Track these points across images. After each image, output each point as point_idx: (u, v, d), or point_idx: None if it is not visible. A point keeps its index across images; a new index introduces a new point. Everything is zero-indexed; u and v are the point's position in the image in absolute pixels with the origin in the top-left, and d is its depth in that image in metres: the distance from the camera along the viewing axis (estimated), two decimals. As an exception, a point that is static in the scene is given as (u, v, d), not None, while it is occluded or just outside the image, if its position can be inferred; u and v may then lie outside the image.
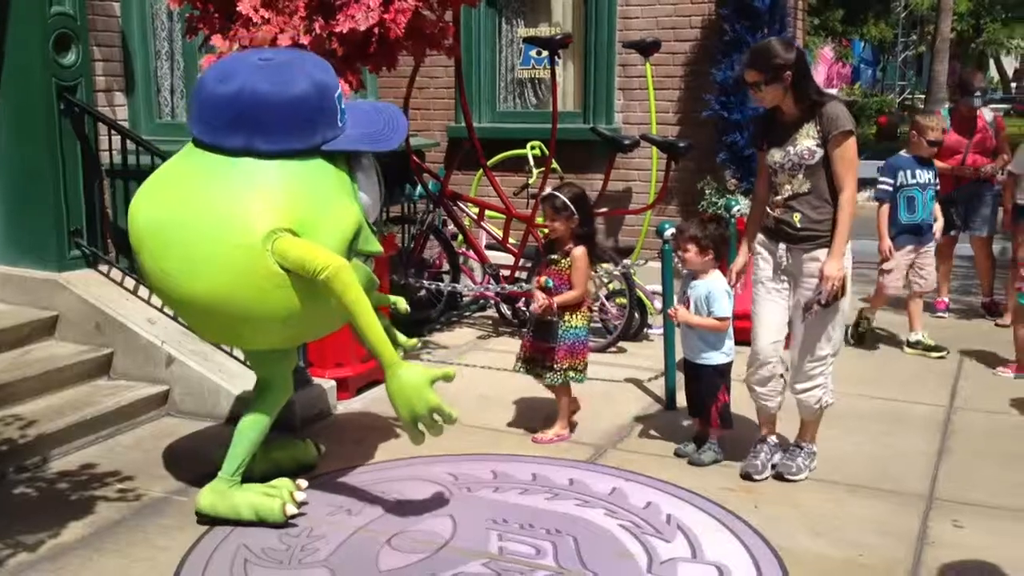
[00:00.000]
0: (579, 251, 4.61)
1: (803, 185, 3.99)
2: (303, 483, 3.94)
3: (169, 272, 3.62)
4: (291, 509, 3.78)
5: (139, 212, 3.71)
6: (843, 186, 3.92)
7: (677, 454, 4.52)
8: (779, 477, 4.23)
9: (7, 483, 4.13)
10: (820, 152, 3.93)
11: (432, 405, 3.54)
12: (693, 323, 4.39)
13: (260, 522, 3.76)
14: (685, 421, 4.81)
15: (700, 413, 4.52)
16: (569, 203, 4.56)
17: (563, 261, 4.65)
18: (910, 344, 6.28)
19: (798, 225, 4.00)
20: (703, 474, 4.32)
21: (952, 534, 3.79)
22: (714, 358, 4.41)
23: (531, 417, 4.87)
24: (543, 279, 4.68)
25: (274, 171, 3.60)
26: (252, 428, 3.89)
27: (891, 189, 6.14)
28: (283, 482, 3.90)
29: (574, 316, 4.65)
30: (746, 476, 4.22)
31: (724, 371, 4.45)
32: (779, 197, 4.07)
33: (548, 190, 4.81)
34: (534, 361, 4.71)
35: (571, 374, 4.68)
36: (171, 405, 4.98)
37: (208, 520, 3.78)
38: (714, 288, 4.36)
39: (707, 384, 4.43)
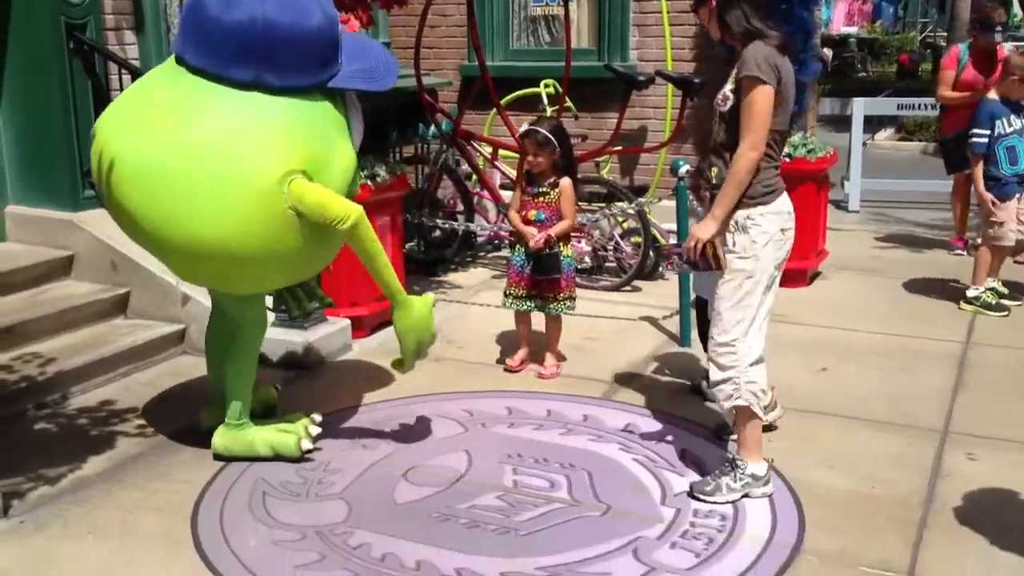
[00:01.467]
0: (566, 182, 4.67)
1: (720, 134, 3.53)
2: (317, 418, 3.96)
3: (165, 215, 3.35)
4: (306, 444, 3.81)
5: (120, 142, 3.38)
6: (740, 139, 3.37)
7: (692, 390, 4.52)
8: (690, 494, 3.55)
9: (27, 419, 4.19)
10: (733, 99, 3.44)
11: (433, 332, 3.80)
12: None
13: (276, 458, 3.80)
14: (700, 358, 4.80)
15: None
16: (551, 137, 4.56)
17: (551, 193, 4.66)
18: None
19: (714, 181, 3.56)
20: (716, 409, 4.31)
21: (966, 466, 3.79)
22: None
23: (543, 353, 4.87)
24: (532, 213, 4.68)
25: (285, 108, 3.41)
26: (241, 372, 3.81)
27: (987, 140, 5.63)
28: (297, 417, 3.93)
29: (566, 247, 4.74)
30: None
31: None
32: (709, 146, 3.69)
33: (525, 127, 4.79)
34: (533, 296, 4.74)
35: (568, 303, 4.74)
36: (188, 343, 5.01)
37: (225, 460, 3.83)
38: None
39: None
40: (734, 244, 3.45)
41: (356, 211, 3.45)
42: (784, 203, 3.50)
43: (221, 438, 3.83)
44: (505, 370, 4.82)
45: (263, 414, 4.06)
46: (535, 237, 4.60)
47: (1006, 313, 5.70)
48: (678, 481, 3.64)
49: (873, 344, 5.21)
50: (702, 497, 3.50)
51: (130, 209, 3.41)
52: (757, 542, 3.24)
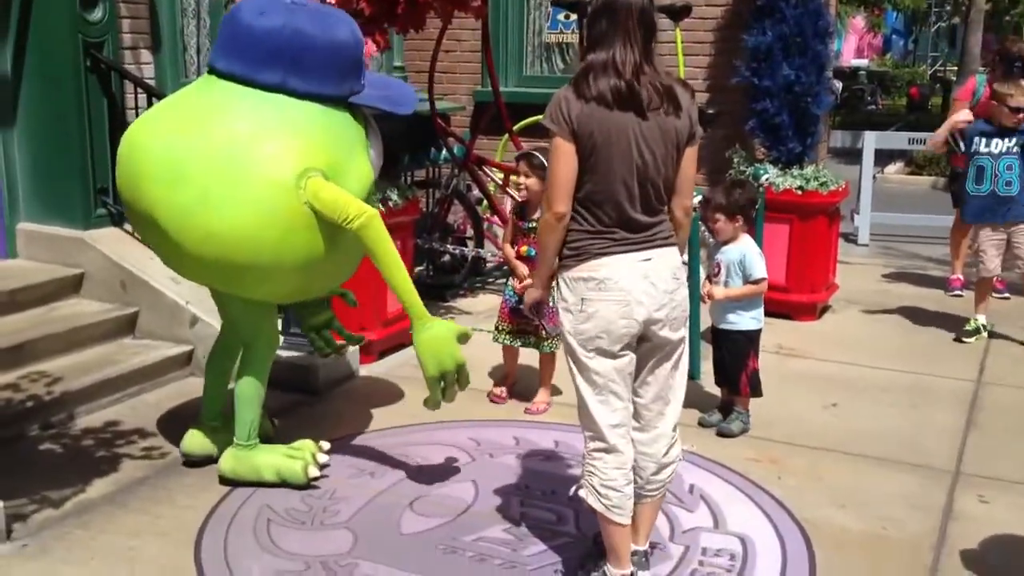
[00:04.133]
0: None
1: None
2: (325, 445, 3.94)
3: (179, 208, 3.41)
4: (313, 471, 3.79)
5: (147, 139, 3.53)
6: None
7: (701, 424, 4.48)
8: None
9: (32, 440, 4.17)
10: None
11: (459, 359, 3.55)
12: (733, 296, 4.32)
13: (282, 484, 3.77)
14: (710, 391, 4.77)
15: (727, 382, 4.48)
16: (546, 163, 4.50)
17: None
18: None
19: None
20: (727, 444, 4.29)
21: (977, 509, 3.75)
22: (744, 323, 4.36)
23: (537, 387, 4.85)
24: (524, 248, 4.62)
25: (308, 111, 3.57)
26: (251, 390, 3.79)
27: (963, 148, 5.88)
28: (305, 444, 3.90)
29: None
30: None
31: (754, 337, 4.40)
32: None
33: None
34: (523, 332, 4.69)
35: (556, 341, 4.62)
36: (195, 365, 4.98)
37: (231, 484, 3.79)
38: (747, 251, 4.31)
39: (736, 351, 4.37)
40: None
41: (370, 211, 3.50)
42: (593, 269, 2.86)
43: (229, 460, 3.81)
44: (490, 400, 4.77)
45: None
46: (523, 282, 4.50)
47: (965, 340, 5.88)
48: (686, 517, 3.61)
49: (883, 380, 5.18)
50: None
51: (151, 200, 3.48)
52: (767, 583, 3.20)
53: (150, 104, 5.32)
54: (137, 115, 5.36)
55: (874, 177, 9.29)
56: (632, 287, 2.85)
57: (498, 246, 7.06)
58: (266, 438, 4.10)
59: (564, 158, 2.83)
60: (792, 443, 4.32)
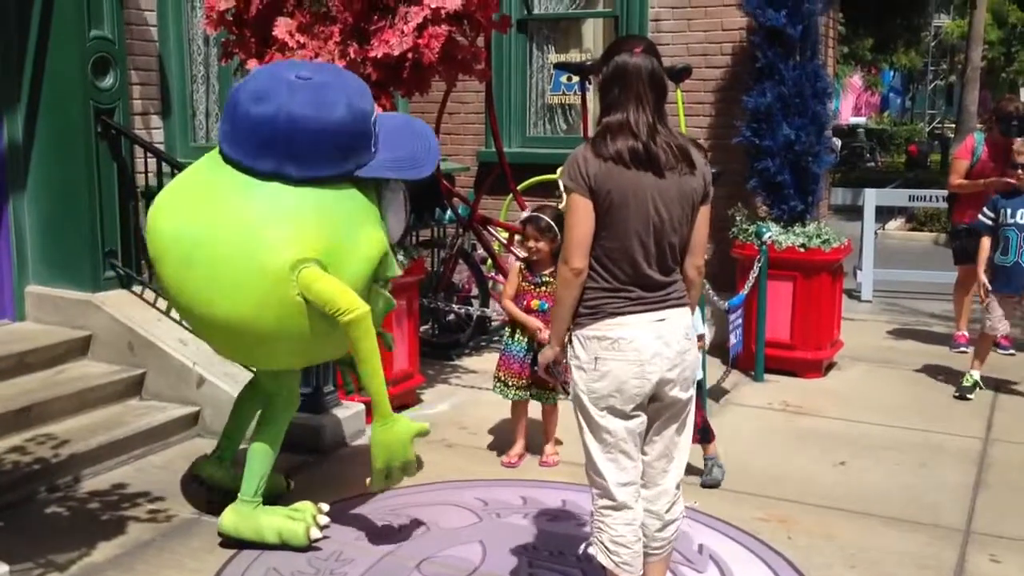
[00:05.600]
0: None
1: None
2: (324, 507, 3.92)
3: (188, 289, 3.59)
4: (315, 533, 3.77)
5: (163, 221, 3.64)
6: None
7: (701, 485, 4.43)
8: None
9: (38, 502, 4.15)
10: None
11: (408, 459, 3.73)
12: None
13: (283, 546, 3.75)
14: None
15: None
16: (553, 224, 4.54)
17: (553, 282, 4.57)
18: None
19: None
20: (735, 503, 4.26)
21: (990, 569, 3.71)
22: None
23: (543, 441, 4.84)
24: (535, 302, 4.64)
25: (303, 198, 3.54)
26: (265, 447, 3.83)
27: (990, 223, 5.82)
28: (306, 505, 3.89)
29: None
30: None
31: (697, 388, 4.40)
32: None
33: (526, 214, 4.80)
34: (535, 385, 4.68)
35: (561, 391, 4.63)
36: (202, 426, 4.99)
37: (231, 541, 3.77)
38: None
39: None
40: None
41: (361, 308, 3.53)
42: (609, 328, 2.86)
43: (232, 516, 3.79)
44: (504, 466, 4.74)
45: (268, 502, 3.99)
46: (543, 331, 4.51)
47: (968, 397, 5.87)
48: (696, 578, 3.58)
49: (890, 438, 5.16)
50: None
51: (164, 277, 3.69)
52: (778, 645, 3.16)
53: (159, 168, 5.42)
54: (146, 179, 5.50)
55: (875, 234, 9.35)
56: (646, 347, 2.85)
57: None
58: (277, 495, 4.11)
59: (582, 215, 2.85)
60: (801, 502, 4.30)
